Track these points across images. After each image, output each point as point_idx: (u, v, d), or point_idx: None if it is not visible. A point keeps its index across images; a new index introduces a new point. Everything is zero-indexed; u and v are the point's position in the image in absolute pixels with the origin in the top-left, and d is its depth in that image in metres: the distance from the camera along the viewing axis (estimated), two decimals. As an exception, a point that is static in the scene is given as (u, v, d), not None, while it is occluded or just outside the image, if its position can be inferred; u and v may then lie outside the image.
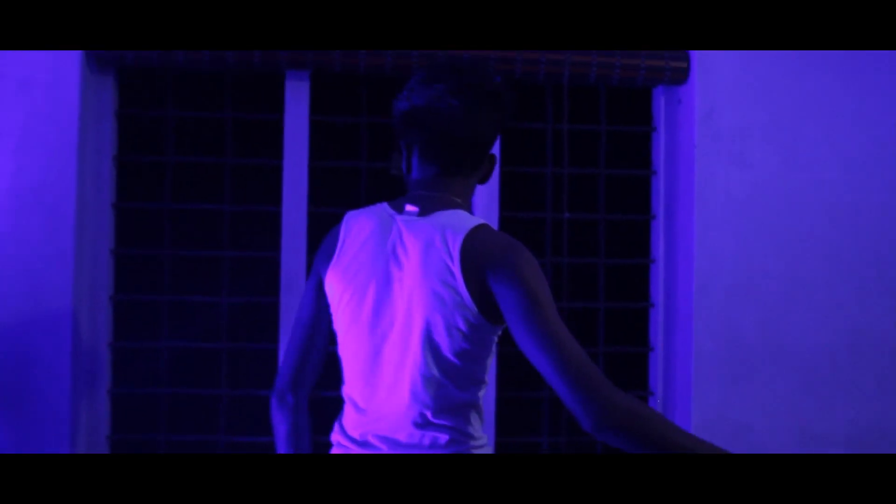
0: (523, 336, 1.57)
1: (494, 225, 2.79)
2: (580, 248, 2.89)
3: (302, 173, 2.76)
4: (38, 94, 2.58)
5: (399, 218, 1.68)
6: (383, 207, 1.73)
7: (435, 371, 1.61)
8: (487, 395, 2.76)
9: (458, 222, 1.63)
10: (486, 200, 2.80)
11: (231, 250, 2.78)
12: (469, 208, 1.73)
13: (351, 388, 1.71)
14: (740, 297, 2.74)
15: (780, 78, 2.79)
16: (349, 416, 1.72)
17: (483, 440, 1.70)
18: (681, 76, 2.79)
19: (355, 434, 1.69)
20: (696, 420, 2.71)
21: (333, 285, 1.70)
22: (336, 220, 1.81)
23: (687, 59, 2.78)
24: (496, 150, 2.65)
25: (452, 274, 1.59)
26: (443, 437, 1.63)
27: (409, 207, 1.68)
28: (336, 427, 1.75)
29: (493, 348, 1.68)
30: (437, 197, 1.69)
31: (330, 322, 1.76)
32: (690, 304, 2.74)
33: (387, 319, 1.64)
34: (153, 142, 2.78)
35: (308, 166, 2.76)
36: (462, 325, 1.60)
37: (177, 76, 2.78)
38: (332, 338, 1.78)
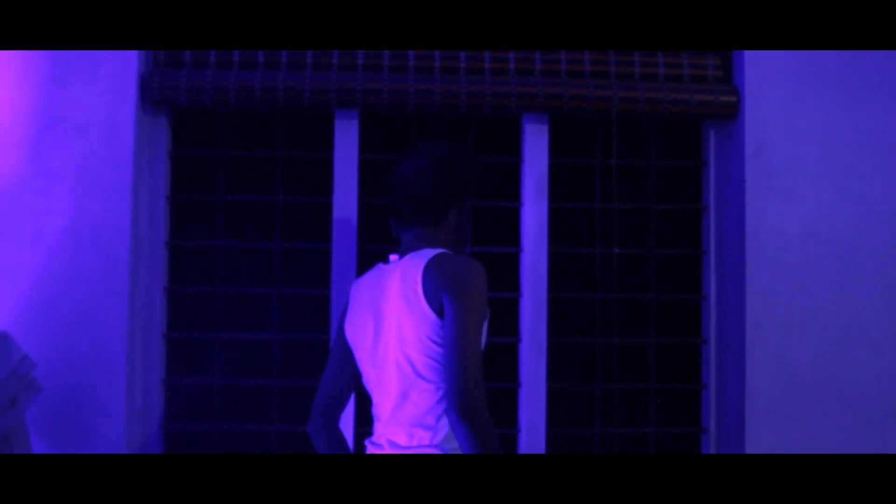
0: (445, 334, 1.92)
1: (543, 260, 2.79)
2: (630, 284, 2.87)
3: (352, 211, 2.78)
4: (94, 136, 2.64)
5: (384, 267, 2.10)
6: (378, 265, 2.15)
7: (416, 379, 1.97)
8: (538, 386, 2.78)
9: (424, 255, 2.00)
10: (536, 235, 2.80)
11: (282, 287, 2.80)
12: (445, 244, 2.09)
13: (374, 405, 2.10)
14: (794, 333, 2.70)
15: (832, 111, 2.76)
16: (375, 426, 2.11)
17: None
18: (730, 110, 2.77)
19: (375, 437, 2.08)
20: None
21: (349, 333, 2.13)
22: (384, 257, 2.11)
23: (737, 94, 2.77)
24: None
25: (416, 294, 1.94)
26: (428, 437, 1.96)
27: (393, 257, 2.12)
28: (368, 439, 2.12)
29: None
30: (415, 246, 2.08)
31: (354, 362, 2.15)
32: (743, 340, 2.71)
33: (382, 346, 2.03)
34: (205, 181, 2.83)
35: (357, 203, 2.79)
36: (432, 335, 1.94)
37: (229, 116, 2.82)
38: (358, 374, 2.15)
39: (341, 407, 2.19)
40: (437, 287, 1.93)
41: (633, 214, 2.88)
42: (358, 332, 2.10)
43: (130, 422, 2.65)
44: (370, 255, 2.72)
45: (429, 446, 1.96)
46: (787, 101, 2.74)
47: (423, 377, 1.96)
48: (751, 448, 2.68)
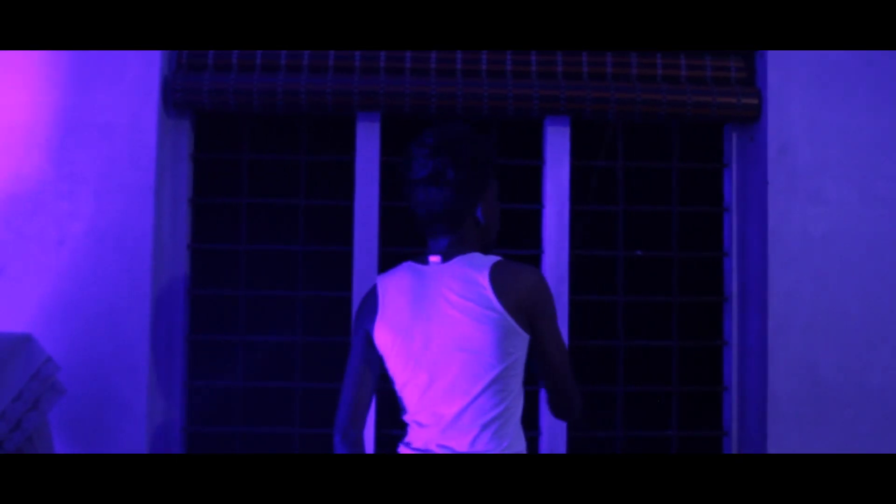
0: (543, 341, 1.97)
1: (564, 263, 2.79)
2: (653, 286, 2.86)
3: (373, 213, 2.78)
4: (117, 138, 2.65)
5: (428, 269, 2.00)
6: (410, 265, 2.04)
7: (486, 387, 1.91)
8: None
9: (477, 261, 1.96)
10: (557, 238, 2.79)
11: (304, 290, 2.80)
12: (481, 248, 2.04)
13: (414, 413, 1.99)
14: (818, 336, 2.69)
15: (855, 113, 2.75)
16: (413, 434, 2.01)
17: (519, 443, 1.98)
18: (753, 112, 2.76)
19: (419, 444, 1.98)
20: (773, 461, 2.65)
21: (383, 336, 2.00)
22: (408, 257, 2.07)
23: (759, 96, 2.76)
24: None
25: (489, 303, 1.90)
26: (493, 444, 1.92)
27: (433, 258, 2.01)
28: (401, 446, 2.04)
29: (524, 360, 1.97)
30: (451, 249, 2.01)
31: (379, 367, 2.04)
32: (765, 342, 2.70)
33: (436, 351, 1.93)
34: (228, 184, 2.83)
35: (379, 206, 2.79)
36: (504, 342, 1.91)
37: (251, 119, 2.82)
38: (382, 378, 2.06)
39: (367, 414, 2.06)
40: (521, 299, 1.91)
41: (655, 217, 2.88)
42: (399, 335, 1.98)
43: (152, 424, 2.65)
44: (391, 258, 2.72)
45: (493, 452, 1.91)
46: (810, 103, 2.73)
47: (492, 386, 1.91)
48: (773, 451, 2.67)
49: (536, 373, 2.02)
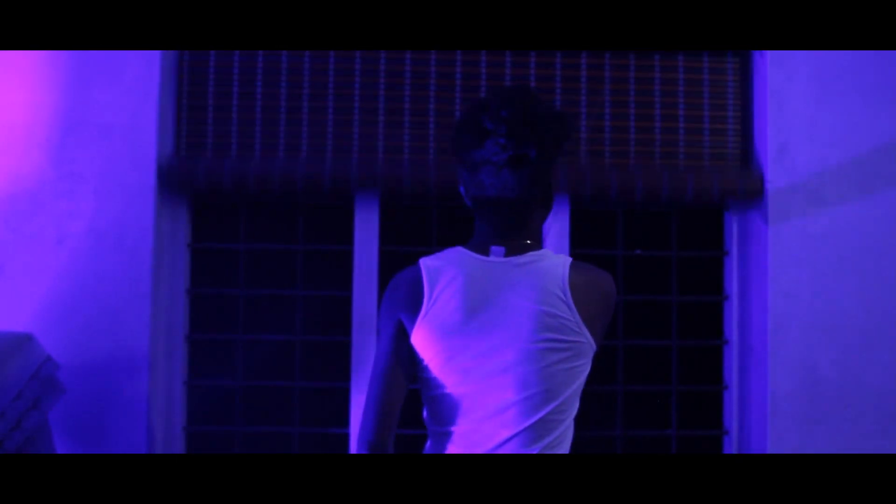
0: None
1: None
2: (652, 285, 2.86)
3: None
4: (117, 138, 2.64)
5: (491, 261, 1.71)
6: (464, 253, 1.74)
7: (548, 400, 1.67)
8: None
9: (552, 260, 1.71)
10: (558, 236, 2.79)
11: (304, 290, 2.80)
12: (540, 229, 1.80)
13: (445, 425, 1.72)
14: (818, 335, 2.69)
15: (856, 113, 2.74)
16: (438, 446, 1.75)
17: None
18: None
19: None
20: (773, 461, 2.65)
21: (428, 337, 1.69)
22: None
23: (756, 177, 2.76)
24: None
25: (568, 312, 1.66)
26: None
27: (496, 248, 1.72)
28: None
29: None
30: (516, 236, 1.73)
31: (413, 368, 1.74)
32: (766, 342, 2.70)
33: (494, 366, 1.67)
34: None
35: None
36: (576, 361, 1.69)
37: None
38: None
39: (396, 425, 1.74)
40: (598, 309, 1.70)
41: (655, 215, 2.87)
42: (450, 339, 1.68)
43: (153, 423, 2.65)
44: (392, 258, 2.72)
45: None
46: (810, 103, 2.73)
47: (551, 415, 1.68)
48: (773, 450, 2.67)
49: None
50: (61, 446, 2.54)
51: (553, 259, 1.71)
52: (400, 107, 2.78)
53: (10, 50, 2.56)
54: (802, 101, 2.74)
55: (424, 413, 1.79)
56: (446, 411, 1.71)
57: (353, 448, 1.79)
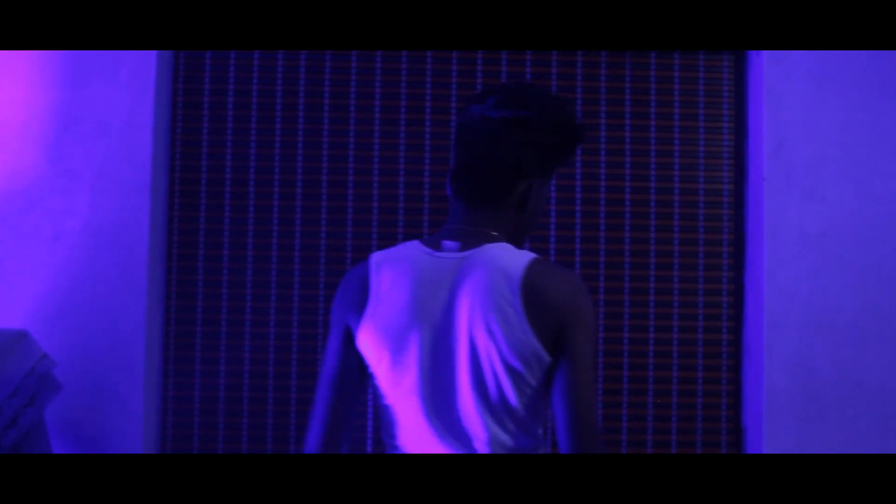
0: (567, 368, 1.45)
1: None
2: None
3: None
4: (113, 135, 2.65)
5: (439, 257, 1.51)
6: (417, 246, 1.54)
7: (500, 416, 1.47)
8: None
9: (509, 258, 1.47)
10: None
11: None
12: (513, 241, 1.56)
13: (402, 438, 1.53)
14: (814, 332, 2.69)
15: (853, 110, 2.74)
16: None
17: None
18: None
19: None
20: (770, 459, 2.65)
21: (374, 338, 1.51)
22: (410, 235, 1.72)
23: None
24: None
25: (515, 313, 1.43)
26: None
27: (448, 243, 1.52)
28: None
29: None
30: (475, 231, 1.53)
31: (365, 375, 1.58)
32: (762, 339, 2.70)
33: (445, 366, 1.48)
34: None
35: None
36: (532, 374, 1.45)
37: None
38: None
39: (344, 436, 1.58)
40: (551, 313, 1.44)
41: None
42: (392, 342, 1.50)
43: (148, 419, 2.65)
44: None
45: None
46: (808, 99, 2.73)
47: (519, 425, 1.48)
48: (769, 446, 2.67)
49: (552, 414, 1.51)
50: (57, 443, 2.54)
51: (511, 254, 1.48)
52: (396, 104, 2.79)
53: (7, 50, 2.56)
54: (799, 98, 2.73)
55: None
56: (390, 424, 1.54)
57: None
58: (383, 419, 1.56)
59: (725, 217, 2.86)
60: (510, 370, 1.44)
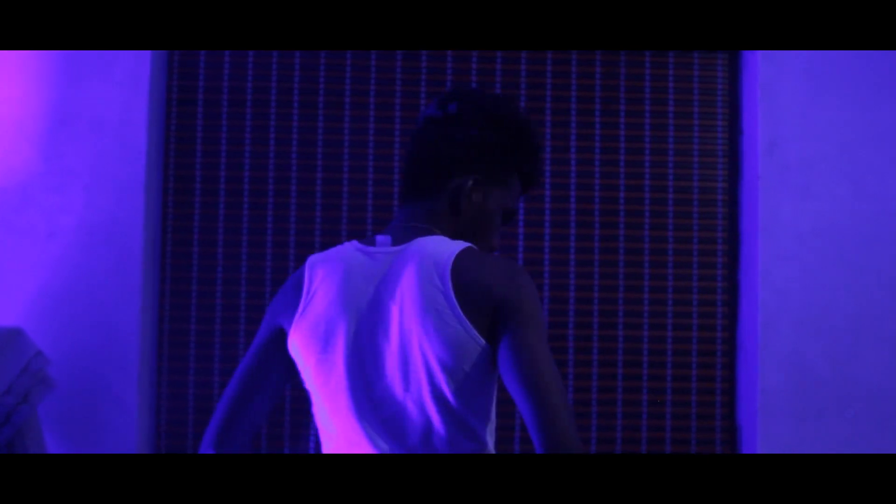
0: (514, 353, 1.36)
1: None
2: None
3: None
4: (108, 132, 2.65)
5: (371, 253, 1.46)
6: (352, 245, 1.49)
7: (434, 412, 1.39)
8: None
9: (440, 248, 1.42)
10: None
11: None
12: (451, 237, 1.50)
13: (335, 438, 1.47)
14: (808, 330, 2.69)
15: (847, 108, 2.75)
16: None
17: None
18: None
19: None
20: (764, 453, 2.66)
21: (303, 340, 1.45)
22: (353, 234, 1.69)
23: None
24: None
25: (447, 306, 1.37)
26: None
27: (381, 238, 1.48)
28: None
29: (495, 388, 1.44)
30: (409, 226, 1.49)
31: (284, 378, 1.53)
32: (756, 337, 2.70)
33: (373, 370, 1.41)
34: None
35: None
36: (467, 364, 1.37)
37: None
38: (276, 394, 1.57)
39: (249, 436, 1.54)
40: (484, 298, 1.37)
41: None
42: (318, 343, 1.44)
43: (142, 416, 2.65)
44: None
45: None
46: (801, 98, 2.73)
47: (456, 421, 1.39)
48: (763, 444, 2.67)
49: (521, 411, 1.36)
50: (51, 440, 2.54)
51: (442, 244, 1.42)
52: (391, 101, 2.79)
53: (4, 50, 2.56)
54: (794, 96, 2.74)
55: None
56: (324, 424, 1.48)
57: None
58: (317, 420, 1.49)
59: (720, 215, 2.86)
60: (442, 361, 1.36)
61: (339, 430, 1.45)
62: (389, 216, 2.79)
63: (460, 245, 1.42)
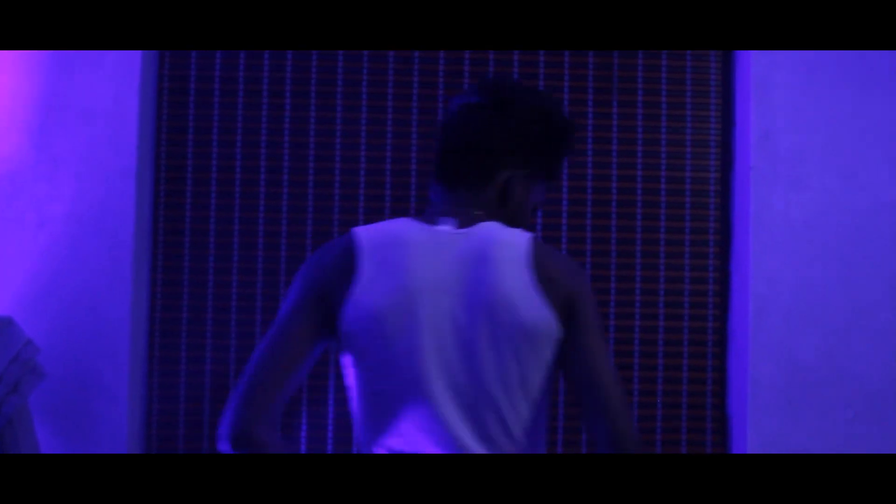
0: (585, 349, 1.41)
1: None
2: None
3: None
4: (99, 121, 2.64)
5: (437, 231, 1.43)
6: (410, 222, 1.46)
7: (523, 404, 1.39)
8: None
9: (509, 234, 1.43)
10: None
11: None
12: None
13: (401, 433, 1.39)
14: (799, 321, 2.70)
15: (839, 98, 2.74)
16: None
17: None
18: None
19: None
20: (754, 446, 2.66)
21: (360, 318, 1.39)
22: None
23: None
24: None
25: (528, 284, 1.38)
26: None
27: (444, 220, 1.45)
28: None
29: None
30: (466, 211, 1.47)
31: (319, 352, 1.45)
32: (747, 328, 2.70)
33: (455, 353, 1.38)
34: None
35: None
36: (544, 351, 1.40)
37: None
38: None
39: (280, 414, 1.42)
40: (562, 286, 1.40)
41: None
42: (385, 323, 1.38)
43: (133, 406, 2.65)
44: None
45: None
46: (794, 89, 2.73)
47: (535, 409, 1.41)
48: (753, 437, 2.67)
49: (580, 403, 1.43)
50: (41, 430, 2.54)
51: (509, 230, 1.43)
52: (383, 91, 2.79)
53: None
54: (786, 88, 2.73)
55: (356, 423, 1.46)
56: (380, 417, 1.41)
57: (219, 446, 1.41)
58: (364, 406, 1.42)
59: (712, 206, 2.86)
60: (529, 342, 1.37)
61: (407, 417, 1.39)
62: (381, 205, 2.79)
63: (524, 233, 1.43)
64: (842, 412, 2.69)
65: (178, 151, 2.79)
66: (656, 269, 2.86)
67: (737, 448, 2.71)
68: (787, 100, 2.74)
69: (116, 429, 2.60)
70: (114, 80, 2.65)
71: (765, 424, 2.67)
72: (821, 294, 2.71)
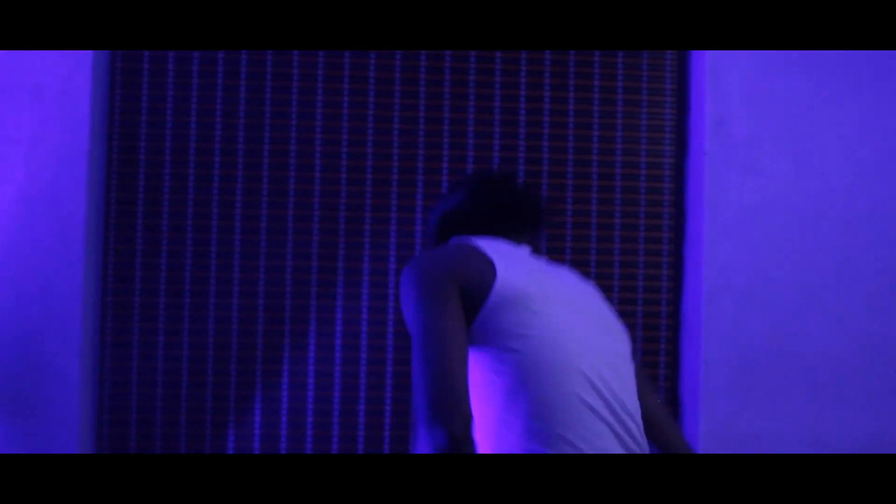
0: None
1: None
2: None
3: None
4: (49, 101, 2.60)
5: (529, 253, 1.72)
6: (503, 242, 1.68)
7: (636, 401, 1.64)
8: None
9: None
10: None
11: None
12: None
13: (553, 425, 1.45)
14: (750, 305, 2.73)
15: (793, 85, 2.78)
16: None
17: None
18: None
19: None
20: (705, 428, 2.69)
21: (513, 291, 1.51)
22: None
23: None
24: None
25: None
26: None
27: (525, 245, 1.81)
28: None
29: None
30: (532, 243, 1.88)
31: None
32: (699, 312, 2.73)
33: (605, 341, 1.61)
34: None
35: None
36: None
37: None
38: None
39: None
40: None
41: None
42: (546, 312, 1.51)
43: (84, 390, 2.62)
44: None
45: None
46: (748, 76, 2.76)
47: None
48: (705, 419, 2.70)
49: None
50: (-9, 414, 2.50)
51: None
52: (364, 75, 2.77)
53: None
54: (741, 75, 2.76)
55: (499, 408, 1.49)
56: (540, 402, 1.48)
57: (421, 447, 1.38)
58: (533, 401, 1.47)
59: (667, 191, 2.89)
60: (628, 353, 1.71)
61: (547, 410, 1.45)
62: (362, 188, 2.77)
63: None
64: (791, 393, 2.73)
65: (132, 131, 2.75)
66: (611, 254, 2.88)
67: (689, 429, 2.73)
68: (741, 86, 2.76)
69: (68, 413, 2.57)
70: (65, 57, 2.61)
71: (716, 405, 2.71)
72: (772, 278, 2.75)
